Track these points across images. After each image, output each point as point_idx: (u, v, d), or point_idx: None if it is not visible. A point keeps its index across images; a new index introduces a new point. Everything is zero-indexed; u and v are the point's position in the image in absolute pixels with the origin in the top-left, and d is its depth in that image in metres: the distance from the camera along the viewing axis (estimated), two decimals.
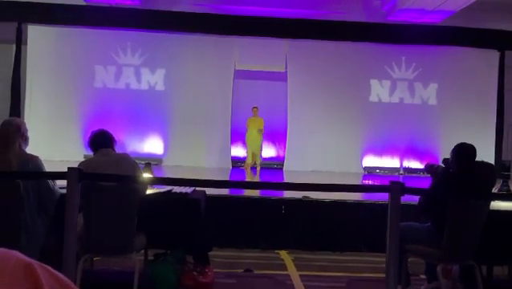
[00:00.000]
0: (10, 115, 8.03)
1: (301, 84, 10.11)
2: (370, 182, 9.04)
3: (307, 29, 8.45)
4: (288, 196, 5.39)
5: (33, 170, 3.20)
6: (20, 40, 8.03)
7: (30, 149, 6.30)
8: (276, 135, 10.39)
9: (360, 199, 5.41)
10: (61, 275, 0.61)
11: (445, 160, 3.46)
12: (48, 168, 3.44)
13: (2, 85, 9.90)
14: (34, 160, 3.23)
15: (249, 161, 9.51)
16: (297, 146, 10.00)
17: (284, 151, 10.25)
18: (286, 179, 8.77)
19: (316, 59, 9.97)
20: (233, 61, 10.10)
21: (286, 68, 10.26)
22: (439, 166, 3.55)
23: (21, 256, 0.58)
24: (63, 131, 9.56)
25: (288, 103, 10.20)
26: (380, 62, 10.22)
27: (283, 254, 4.86)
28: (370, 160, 10.28)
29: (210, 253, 3.85)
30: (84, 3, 9.26)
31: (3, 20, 7.79)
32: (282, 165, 10.08)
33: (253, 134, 9.42)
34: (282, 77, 10.28)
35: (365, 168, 10.21)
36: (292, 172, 9.40)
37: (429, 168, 3.63)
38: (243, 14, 8.82)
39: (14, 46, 8.12)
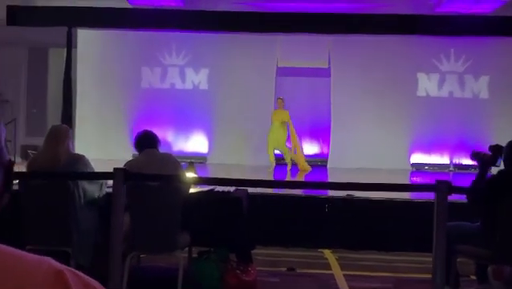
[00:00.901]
0: (62, 116, 8.39)
1: (345, 80, 9.94)
2: (418, 180, 8.78)
3: (351, 23, 8.30)
4: (332, 194, 5.32)
5: (80, 169, 3.35)
6: (70, 44, 8.33)
7: (80, 148, 6.57)
8: (319, 132, 10.28)
9: (408, 197, 5.26)
10: (94, 282, 0.61)
11: (492, 148, 3.30)
12: (97, 167, 3.57)
13: (55, 87, 10.36)
14: (80, 158, 3.40)
15: (272, 161, 8.75)
16: (341, 143, 9.85)
17: (328, 148, 10.13)
18: (330, 177, 8.67)
19: (360, 53, 9.77)
20: (276, 58, 10.07)
21: (329, 64, 10.12)
22: (485, 154, 3.39)
23: (53, 263, 0.59)
24: (112, 131, 9.88)
25: (331, 100, 10.06)
26: (428, 54, 9.88)
27: (327, 253, 4.80)
28: (418, 157, 9.98)
29: (253, 251, 3.87)
30: (130, 6, 9.51)
31: (54, 25, 8.13)
32: (326, 163, 9.96)
33: (275, 128, 8.74)
34: (325, 73, 10.15)
35: (413, 165, 9.91)
36: (336, 169, 9.26)
37: (476, 156, 3.47)
38: (285, 11, 8.78)
39: (64, 50, 8.44)
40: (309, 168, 8.85)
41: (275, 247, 4.80)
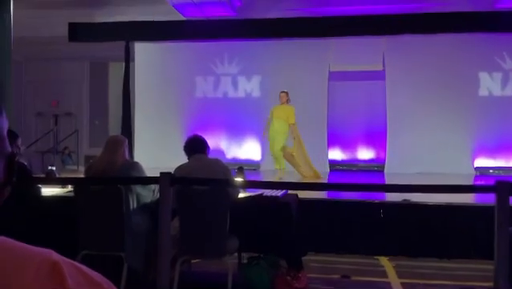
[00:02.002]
0: (122, 126, 8.71)
1: (400, 82, 9.62)
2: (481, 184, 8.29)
3: (406, 24, 8.03)
4: (387, 199, 5.12)
5: (134, 175, 3.45)
6: (128, 57, 8.65)
7: (138, 158, 6.77)
8: (375, 136, 10.00)
9: (469, 201, 4.98)
10: (94, 274, 0.59)
11: None
12: (154, 174, 3.66)
13: (115, 99, 10.81)
14: (134, 164, 3.52)
15: (277, 166, 7.54)
16: (399, 147, 9.52)
17: (384, 153, 9.82)
18: (388, 182, 8.38)
19: (416, 54, 9.43)
20: (328, 63, 9.94)
21: (383, 66, 9.85)
22: None
23: (51, 254, 0.58)
24: (168, 140, 10.12)
25: (387, 102, 9.76)
26: (489, 53, 9.36)
27: (383, 260, 4.62)
28: (482, 161, 9.44)
29: (305, 257, 3.79)
30: (184, 18, 9.77)
31: (113, 40, 8.48)
32: (383, 168, 9.66)
33: (273, 128, 7.43)
34: (379, 76, 9.89)
35: (477, 169, 9.38)
36: (394, 174, 8.95)
37: None
38: (337, 15, 8.66)
39: (123, 64, 8.78)
40: (320, 175, 7.81)
41: (328, 254, 4.68)
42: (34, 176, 4.36)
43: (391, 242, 4.84)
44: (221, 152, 9.51)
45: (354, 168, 9.96)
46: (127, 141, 3.72)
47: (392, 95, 9.70)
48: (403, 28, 8.08)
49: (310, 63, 9.76)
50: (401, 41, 9.24)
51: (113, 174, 3.44)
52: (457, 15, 7.82)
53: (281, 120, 7.47)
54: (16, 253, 0.56)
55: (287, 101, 7.61)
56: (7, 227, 0.62)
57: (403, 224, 4.91)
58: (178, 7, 9.70)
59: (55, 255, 0.58)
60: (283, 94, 7.63)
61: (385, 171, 9.52)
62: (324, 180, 7.93)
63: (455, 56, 9.33)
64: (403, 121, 9.53)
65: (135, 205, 3.51)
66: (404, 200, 4.99)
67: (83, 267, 0.59)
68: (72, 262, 0.59)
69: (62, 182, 3.99)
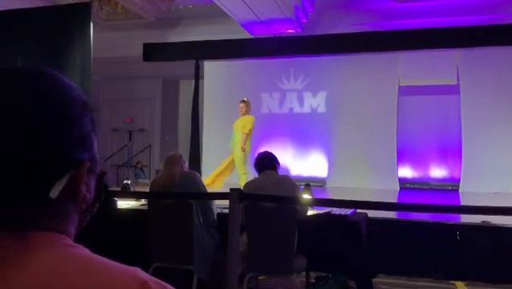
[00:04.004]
0: (191, 142, 8.95)
1: (476, 96, 9.13)
2: None
3: (482, 35, 7.63)
4: (464, 220, 4.83)
5: (194, 185, 3.56)
6: (198, 75, 8.91)
7: (206, 173, 6.92)
8: (449, 153, 9.53)
9: None
10: None
11: None
12: (222, 189, 3.73)
13: (185, 116, 11.17)
14: (193, 175, 3.67)
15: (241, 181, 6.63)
16: (475, 165, 8.99)
17: (459, 171, 9.31)
18: (463, 202, 7.92)
19: (493, 67, 8.93)
20: (397, 77, 9.66)
21: (457, 80, 9.41)
22: None
23: (139, 273, 0.58)
24: None
25: (462, 117, 9.29)
26: None
27: (460, 285, 4.35)
28: None
29: (375, 279, 3.65)
30: (251, 36, 9.94)
31: (183, 59, 8.78)
32: (458, 187, 9.16)
33: (233, 140, 7.13)
34: (453, 90, 9.45)
35: None
36: (470, 194, 8.46)
37: None
38: (406, 28, 8.41)
39: (193, 81, 9.06)
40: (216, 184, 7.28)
41: (400, 276, 4.48)
42: (110, 189, 4.58)
43: (468, 267, 4.54)
44: (286, 169, 9.48)
45: (425, 187, 9.54)
46: (183, 156, 3.88)
47: (467, 109, 9.23)
48: (478, 40, 7.69)
49: (378, 78, 9.55)
50: (477, 53, 8.80)
51: (173, 186, 3.58)
52: None
53: (238, 132, 7.21)
54: (105, 272, 0.57)
55: (247, 112, 7.31)
56: (86, 239, 0.65)
57: (482, 247, 4.60)
58: (246, 25, 9.90)
59: (143, 274, 0.59)
60: (242, 104, 7.31)
61: (460, 190, 9.03)
62: (394, 199, 7.65)
63: None
64: (479, 137, 9.02)
65: (201, 218, 3.59)
66: (483, 221, 4.68)
67: (168, 286, 0.60)
68: (158, 280, 0.59)
69: (137, 196, 4.15)
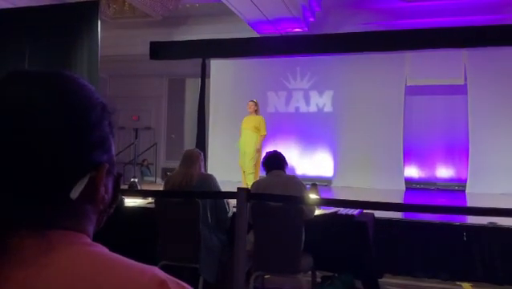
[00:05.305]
0: (197, 140, 8.97)
1: (484, 96, 9.09)
2: None
3: (490, 35, 7.58)
4: (471, 222, 4.81)
5: (210, 187, 3.54)
6: (204, 74, 8.92)
7: (211, 170, 6.90)
8: (456, 153, 9.49)
9: None
10: None
11: None
12: (225, 188, 3.72)
13: (191, 114, 11.18)
14: (209, 177, 3.62)
15: (244, 181, 6.94)
16: (482, 165, 8.95)
17: (466, 171, 9.28)
18: (469, 202, 7.89)
19: (501, 67, 8.88)
20: (404, 77, 9.63)
21: (465, 80, 9.36)
22: None
23: (157, 272, 0.59)
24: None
25: (469, 118, 9.25)
26: None
27: (467, 286, 4.34)
28: None
29: (382, 280, 3.64)
30: (258, 35, 9.93)
31: (190, 57, 8.80)
32: (464, 187, 9.12)
33: (243, 140, 7.01)
34: (460, 90, 9.41)
35: None
36: (476, 194, 8.42)
37: None
38: (413, 28, 8.38)
39: (199, 80, 9.07)
40: None
41: (405, 277, 4.47)
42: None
43: (475, 268, 4.52)
44: (292, 168, 9.48)
45: (432, 187, 9.51)
46: (202, 155, 3.83)
47: (474, 109, 9.19)
48: (486, 40, 7.64)
49: (385, 77, 9.52)
50: (484, 53, 8.76)
51: (190, 187, 3.54)
52: None
53: (249, 131, 7.05)
54: (123, 271, 0.57)
55: (256, 111, 7.20)
56: (94, 237, 0.66)
57: (489, 248, 4.58)
58: (253, 24, 9.89)
59: (161, 273, 0.59)
60: (252, 103, 7.19)
61: (467, 191, 8.99)
62: (400, 199, 7.63)
63: None
64: (486, 138, 8.97)
65: (209, 217, 3.59)
66: (490, 223, 4.66)
67: (186, 285, 0.60)
68: (177, 280, 0.60)
69: (144, 194, 4.16)
